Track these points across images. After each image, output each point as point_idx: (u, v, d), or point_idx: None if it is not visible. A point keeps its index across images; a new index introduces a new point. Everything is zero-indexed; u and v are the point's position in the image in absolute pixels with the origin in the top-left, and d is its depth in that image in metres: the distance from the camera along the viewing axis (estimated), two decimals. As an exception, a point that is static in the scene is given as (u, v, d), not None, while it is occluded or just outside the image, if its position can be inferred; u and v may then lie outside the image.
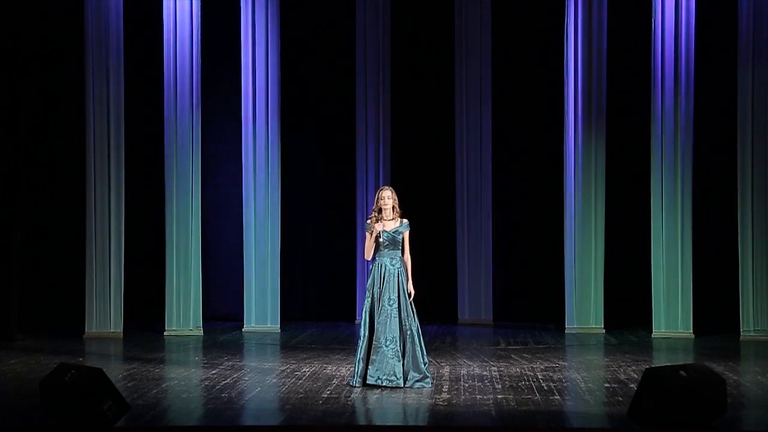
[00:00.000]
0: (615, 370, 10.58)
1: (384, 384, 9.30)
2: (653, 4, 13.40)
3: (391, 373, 9.31)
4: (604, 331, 13.60)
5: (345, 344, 12.51)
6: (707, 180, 13.96)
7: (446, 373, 10.27)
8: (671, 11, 13.30)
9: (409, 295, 9.50)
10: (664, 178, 13.34)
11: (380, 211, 9.53)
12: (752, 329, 13.05)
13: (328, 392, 9.20)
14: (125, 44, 13.53)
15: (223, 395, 9.15)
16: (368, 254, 9.57)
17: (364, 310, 9.54)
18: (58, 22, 14.35)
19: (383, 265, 9.51)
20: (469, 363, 10.97)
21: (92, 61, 13.46)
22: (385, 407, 8.61)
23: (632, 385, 9.27)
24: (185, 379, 10.11)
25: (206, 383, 9.84)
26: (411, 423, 8.23)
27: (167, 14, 13.61)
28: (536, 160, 14.91)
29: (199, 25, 13.69)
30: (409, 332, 9.42)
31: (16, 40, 13.49)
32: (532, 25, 14.85)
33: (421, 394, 9.11)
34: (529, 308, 14.81)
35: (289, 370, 10.53)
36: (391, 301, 9.42)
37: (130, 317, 13.63)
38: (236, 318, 14.36)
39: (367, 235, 9.58)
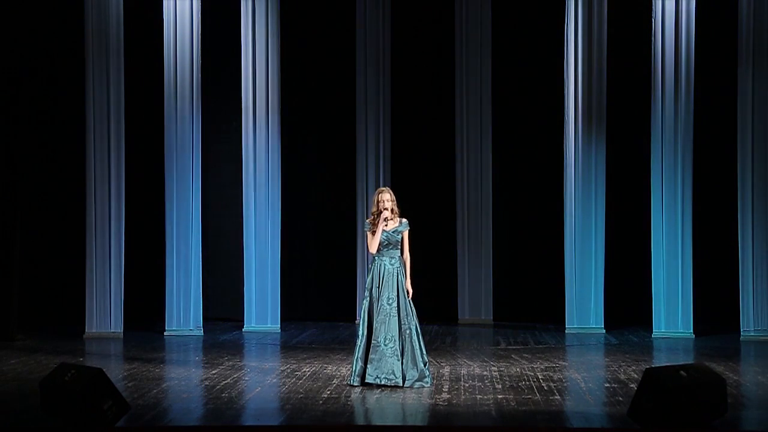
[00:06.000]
0: (615, 370, 10.58)
1: (383, 383, 9.30)
2: (653, 4, 13.40)
3: (390, 372, 9.31)
4: (604, 331, 13.60)
5: (345, 344, 12.50)
6: (707, 180, 13.95)
7: (446, 373, 10.27)
8: (671, 11, 13.30)
9: (408, 293, 9.50)
10: (664, 178, 13.34)
11: (379, 212, 9.52)
12: (752, 329, 13.05)
13: (328, 392, 9.20)
14: (125, 44, 13.54)
15: (223, 395, 9.15)
16: (373, 247, 9.54)
17: (362, 309, 9.55)
18: (58, 23, 14.35)
19: (382, 265, 9.51)
20: (469, 363, 10.97)
21: (92, 62, 13.47)
22: (384, 407, 8.61)
23: (632, 385, 9.27)
24: (185, 379, 10.11)
25: (206, 383, 9.84)
26: (411, 423, 8.23)
27: (167, 14, 13.61)
28: (536, 161, 14.90)
29: (199, 25, 13.69)
30: (408, 332, 9.42)
31: (16, 40, 13.50)
32: (532, 25, 14.85)
33: (421, 394, 9.11)
34: (529, 308, 14.80)
35: (289, 370, 10.53)
36: (390, 301, 9.42)
37: (130, 317, 13.63)
38: (236, 318, 14.36)
39: (369, 234, 9.57)
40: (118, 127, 13.51)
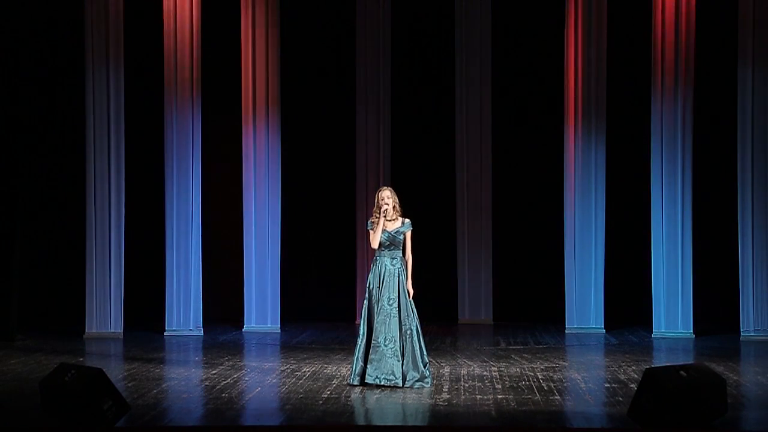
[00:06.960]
0: (615, 370, 10.58)
1: (382, 383, 9.30)
2: (653, 4, 13.39)
3: (390, 372, 9.31)
4: (604, 331, 13.61)
5: (345, 344, 12.50)
6: (707, 180, 13.95)
7: (446, 373, 10.27)
8: (671, 11, 13.30)
9: (409, 293, 9.50)
10: (664, 177, 13.34)
11: (380, 209, 9.52)
12: (752, 329, 13.05)
13: (328, 392, 9.20)
14: (125, 44, 13.54)
15: (223, 395, 9.15)
16: (375, 243, 9.52)
17: (363, 309, 9.54)
18: (58, 22, 14.33)
19: (383, 265, 9.51)
20: (469, 363, 10.97)
21: (92, 62, 13.47)
22: (384, 407, 8.61)
23: (632, 385, 9.27)
24: (185, 379, 10.11)
25: (206, 383, 9.84)
26: (411, 423, 8.23)
27: (167, 14, 13.61)
28: (536, 161, 14.90)
29: (199, 25, 13.69)
30: (408, 332, 9.42)
31: (15, 39, 13.50)
32: (532, 25, 14.84)
33: (421, 394, 9.11)
34: (529, 308, 14.80)
35: (289, 370, 10.53)
36: (391, 301, 9.41)
37: (130, 317, 13.63)
38: (236, 318, 14.36)
39: (370, 232, 9.56)
40: (118, 127, 13.50)
